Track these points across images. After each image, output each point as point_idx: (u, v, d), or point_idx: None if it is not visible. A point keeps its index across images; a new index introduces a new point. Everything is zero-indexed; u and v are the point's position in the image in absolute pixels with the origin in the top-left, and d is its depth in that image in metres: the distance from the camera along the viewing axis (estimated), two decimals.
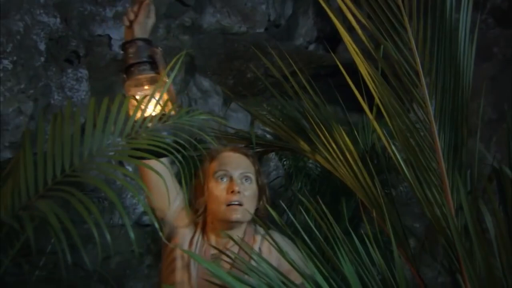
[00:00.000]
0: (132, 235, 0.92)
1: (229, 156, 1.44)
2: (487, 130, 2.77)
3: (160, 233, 1.18)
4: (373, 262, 1.17)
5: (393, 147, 1.33)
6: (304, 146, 1.65)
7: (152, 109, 1.16)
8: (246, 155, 1.46)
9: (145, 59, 1.26)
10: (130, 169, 2.14)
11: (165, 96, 1.19)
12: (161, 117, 1.14)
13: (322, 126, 1.57)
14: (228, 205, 1.35)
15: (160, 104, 1.16)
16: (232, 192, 1.35)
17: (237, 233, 1.38)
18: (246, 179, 1.40)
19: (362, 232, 1.95)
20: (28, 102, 1.89)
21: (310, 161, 2.86)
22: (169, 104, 1.18)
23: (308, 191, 2.55)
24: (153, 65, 1.26)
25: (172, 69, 1.24)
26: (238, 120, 2.95)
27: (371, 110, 1.48)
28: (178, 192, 1.42)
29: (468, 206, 1.03)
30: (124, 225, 2.26)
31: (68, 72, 2.13)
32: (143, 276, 2.37)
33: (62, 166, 0.96)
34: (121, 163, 2.04)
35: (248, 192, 1.38)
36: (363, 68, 1.37)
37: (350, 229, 1.32)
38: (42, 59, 1.99)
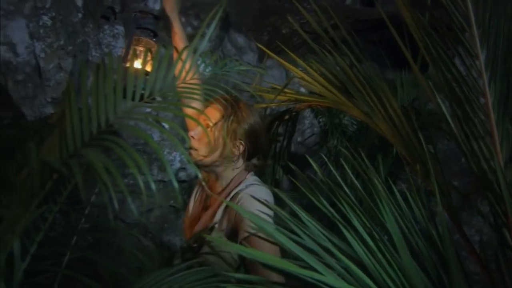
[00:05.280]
0: (175, 183, 0.93)
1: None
2: None
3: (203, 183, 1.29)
4: (414, 217, 1.14)
5: (439, 99, 1.28)
6: (344, 100, 1.62)
7: None
8: (212, 104, 1.46)
9: None
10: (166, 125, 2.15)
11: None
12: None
13: (363, 80, 1.53)
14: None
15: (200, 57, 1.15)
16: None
17: (221, 182, 1.47)
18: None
19: (403, 186, 1.92)
20: (68, 58, 1.91)
21: (346, 118, 2.81)
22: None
23: (344, 148, 2.52)
24: None
25: (208, 25, 1.22)
26: (273, 77, 2.90)
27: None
28: None
29: None
30: (161, 181, 2.30)
31: (105, 28, 2.13)
32: (181, 231, 2.42)
33: (106, 116, 0.97)
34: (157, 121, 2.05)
35: (198, 136, 1.44)
36: (408, 17, 1.31)
37: (391, 182, 1.30)
38: (80, 15, 1.99)
